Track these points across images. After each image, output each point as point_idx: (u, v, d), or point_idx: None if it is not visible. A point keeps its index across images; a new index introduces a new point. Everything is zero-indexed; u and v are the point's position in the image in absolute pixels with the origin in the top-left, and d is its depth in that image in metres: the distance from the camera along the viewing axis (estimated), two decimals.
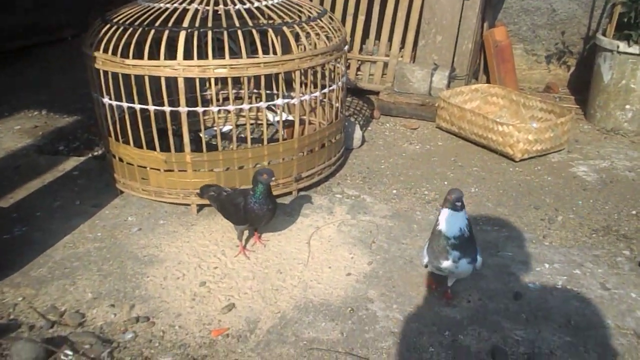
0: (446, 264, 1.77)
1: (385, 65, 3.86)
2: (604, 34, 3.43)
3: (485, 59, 3.95)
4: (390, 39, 3.80)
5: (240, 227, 2.14)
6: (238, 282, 2.00)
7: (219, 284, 1.99)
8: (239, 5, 2.38)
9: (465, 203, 2.49)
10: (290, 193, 2.57)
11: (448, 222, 1.77)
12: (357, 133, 3.12)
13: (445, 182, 2.76)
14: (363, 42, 3.92)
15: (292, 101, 2.41)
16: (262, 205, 2.06)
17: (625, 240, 2.30)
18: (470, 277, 2.01)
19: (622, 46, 3.22)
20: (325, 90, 2.53)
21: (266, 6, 2.42)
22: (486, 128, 3.06)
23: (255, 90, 3.18)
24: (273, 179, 2.06)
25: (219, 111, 2.53)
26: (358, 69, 3.96)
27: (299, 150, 2.49)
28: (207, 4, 2.36)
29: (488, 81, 3.95)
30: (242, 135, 3.19)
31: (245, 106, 2.31)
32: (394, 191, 2.68)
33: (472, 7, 3.51)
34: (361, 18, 3.82)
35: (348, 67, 3.82)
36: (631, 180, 2.83)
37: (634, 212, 2.52)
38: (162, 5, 2.37)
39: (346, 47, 2.64)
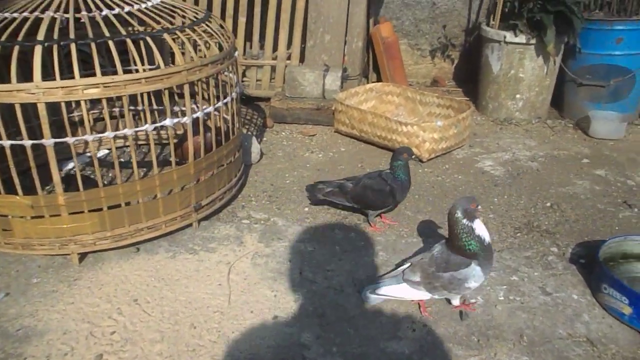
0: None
1: (273, 69, 3.60)
2: (489, 25, 3.43)
3: (374, 56, 3.82)
4: (275, 41, 3.54)
5: (382, 211, 2.26)
6: (144, 348, 1.63)
7: (120, 354, 1.61)
8: (106, 11, 1.99)
9: (383, 215, 2.32)
10: (190, 225, 2.22)
11: (484, 229, 1.68)
12: (255, 146, 2.83)
13: None
14: (246, 45, 3.63)
15: (183, 120, 2.07)
16: (406, 183, 2.21)
17: (549, 236, 2.23)
18: (410, 300, 1.82)
19: (509, 36, 3.23)
20: (220, 104, 2.21)
21: (139, 10, 2.06)
22: (389, 129, 2.90)
23: (132, 107, 2.77)
24: (413, 156, 2.22)
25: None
26: (244, 75, 3.66)
27: (195, 175, 2.15)
28: (66, 11, 1.94)
29: (378, 79, 3.83)
30: (123, 159, 2.77)
31: (128, 131, 1.93)
32: (306, 209, 2.42)
33: (358, 3, 3.35)
34: (242, 20, 3.52)
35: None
36: (536, 171, 2.81)
37: (548, 204, 2.48)
38: (6, 14, 1.92)
39: (236, 53, 2.34)
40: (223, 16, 3.49)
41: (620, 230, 2.27)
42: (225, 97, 2.23)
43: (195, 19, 2.19)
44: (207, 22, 2.20)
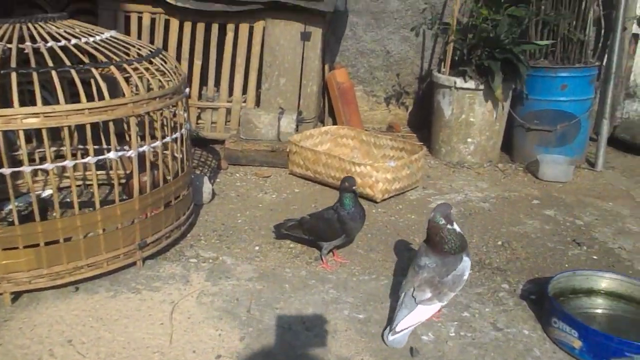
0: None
1: (229, 111, 3.59)
2: (440, 72, 3.53)
3: (329, 101, 3.86)
4: (231, 84, 3.55)
5: (334, 242, 2.20)
6: None
7: None
8: (52, 43, 1.95)
9: (335, 252, 2.29)
10: (134, 264, 2.13)
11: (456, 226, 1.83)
12: (207, 186, 2.78)
13: None
14: (202, 88, 3.62)
15: (128, 154, 2.02)
16: (355, 213, 2.17)
17: (500, 273, 2.23)
18: (360, 337, 1.77)
19: (459, 82, 3.32)
20: (168, 139, 2.17)
21: (87, 43, 2.03)
22: (343, 170, 2.90)
23: (80, 146, 2.69)
24: (354, 186, 2.18)
25: (35, 173, 2.05)
26: (199, 117, 3.64)
27: (141, 211, 2.08)
28: (9, 41, 1.90)
29: (334, 123, 3.86)
30: (68, 200, 2.67)
31: (69, 163, 1.86)
32: (257, 248, 2.37)
33: (313, 49, 3.41)
34: (197, 63, 3.52)
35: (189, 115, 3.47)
36: (487, 211, 2.84)
37: (499, 242, 2.49)
38: None
39: (187, 90, 2.32)
40: (179, 59, 3.49)
41: (569, 267, 2.28)
42: (174, 133, 2.19)
43: (145, 55, 2.17)
44: (157, 58, 2.18)
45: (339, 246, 2.31)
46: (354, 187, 2.19)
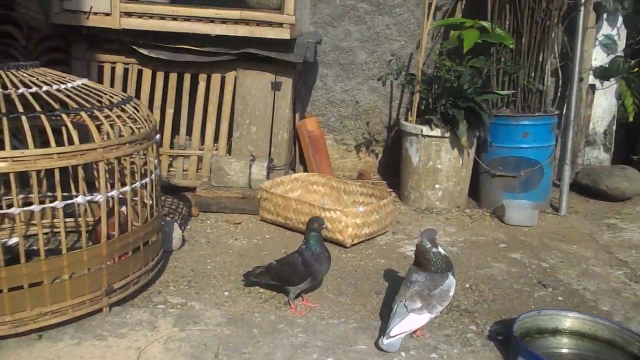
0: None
1: (200, 159, 3.62)
2: (407, 120, 3.63)
3: (300, 149, 3.93)
4: (203, 132, 3.60)
5: (301, 286, 2.20)
6: None
7: None
8: (23, 89, 1.98)
9: (316, 298, 2.31)
10: (100, 310, 2.10)
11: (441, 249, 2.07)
12: (177, 233, 2.78)
13: None
14: (174, 136, 3.66)
15: (97, 199, 2.03)
16: (320, 255, 2.19)
17: (468, 315, 2.25)
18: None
19: (426, 130, 3.42)
20: (137, 185, 2.19)
21: (59, 91, 2.06)
22: (314, 216, 2.93)
23: (49, 194, 2.68)
24: (324, 226, 2.26)
25: (2, 220, 2.03)
26: (170, 165, 3.66)
27: (108, 257, 2.07)
28: None
29: (306, 171, 3.92)
30: (35, 248, 2.63)
31: (36, 208, 1.86)
32: (226, 293, 2.36)
33: (284, 98, 3.49)
34: (170, 112, 3.57)
35: (160, 162, 3.50)
36: (456, 255, 2.88)
37: (467, 285, 2.52)
38: None
39: (158, 137, 2.35)
40: (151, 108, 3.54)
41: (536, 308, 2.31)
42: (144, 179, 2.21)
43: (117, 102, 2.21)
44: (129, 105, 2.22)
45: (307, 290, 2.31)
46: (324, 226, 2.25)
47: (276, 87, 3.44)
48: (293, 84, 3.52)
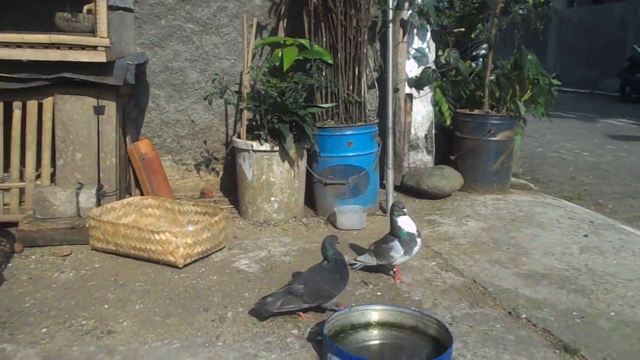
0: (416, 249, 2.74)
1: (22, 191, 3.41)
2: (239, 137, 3.71)
3: (134, 173, 3.85)
4: (22, 163, 3.39)
5: (337, 296, 2.39)
6: None
7: None
8: None
9: (131, 323, 2.27)
10: None
11: (408, 223, 2.74)
12: None
13: (106, 305, 2.46)
14: None
15: None
16: (343, 259, 2.48)
17: (292, 320, 2.35)
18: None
19: (256, 145, 3.52)
20: None
21: None
22: (144, 240, 2.90)
23: None
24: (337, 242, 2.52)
25: None
26: None
27: None
28: None
29: (142, 194, 3.84)
30: None
31: None
32: (44, 330, 2.25)
33: (109, 122, 3.41)
34: None
35: None
36: (288, 264, 2.99)
37: None
38: None
39: None
40: None
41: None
42: None
43: None
44: None
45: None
46: (338, 242, 2.52)
47: (99, 110, 3.35)
48: (117, 107, 3.45)
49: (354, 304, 2.48)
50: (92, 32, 3.12)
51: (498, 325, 2.34)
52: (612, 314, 2.45)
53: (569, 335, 2.25)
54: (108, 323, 2.31)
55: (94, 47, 3.12)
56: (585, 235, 3.44)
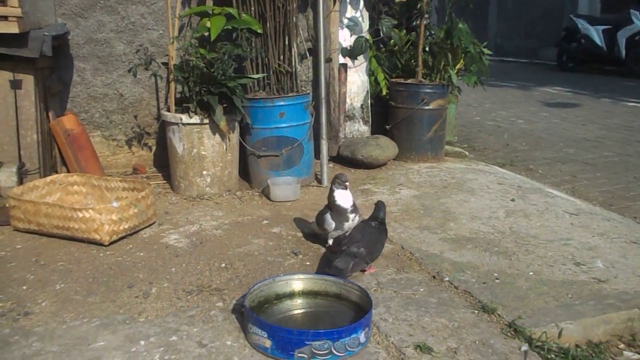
0: (347, 224, 2.69)
1: None
2: (168, 110, 3.62)
3: (59, 150, 3.71)
4: None
5: None
6: None
7: None
8: None
9: (50, 303, 2.21)
10: None
11: (344, 197, 2.70)
12: None
13: (24, 287, 2.38)
14: None
15: None
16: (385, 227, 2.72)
17: (217, 293, 2.34)
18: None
19: (185, 118, 3.44)
20: None
21: None
22: (67, 218, 2.80)
23: None
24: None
25: None
26: None
27: None
28: None
29: (68, 172, 3.71)
30: None
31: None
32: None
33: (27, 97, 3.26)
34: None
35: None
36: (219, 237, 2.96)
37: (223, 265, 2.62)
38: None
39: None
40: None
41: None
42: None
43: None
44: None
45: None
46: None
47: (15, 85, 3.19)
48: (36, 81, 3.30)
49: (282, 275, 2.49)
50: (2, 1, 2.95)
51: (422, 289, 2.39)
52: (531, 273, 2.54)
53: (487, 295, 2.32)
54: (26, 305, 2.24)
55: (5, 18, 2.95)
56: (513, 200, 3.54)
